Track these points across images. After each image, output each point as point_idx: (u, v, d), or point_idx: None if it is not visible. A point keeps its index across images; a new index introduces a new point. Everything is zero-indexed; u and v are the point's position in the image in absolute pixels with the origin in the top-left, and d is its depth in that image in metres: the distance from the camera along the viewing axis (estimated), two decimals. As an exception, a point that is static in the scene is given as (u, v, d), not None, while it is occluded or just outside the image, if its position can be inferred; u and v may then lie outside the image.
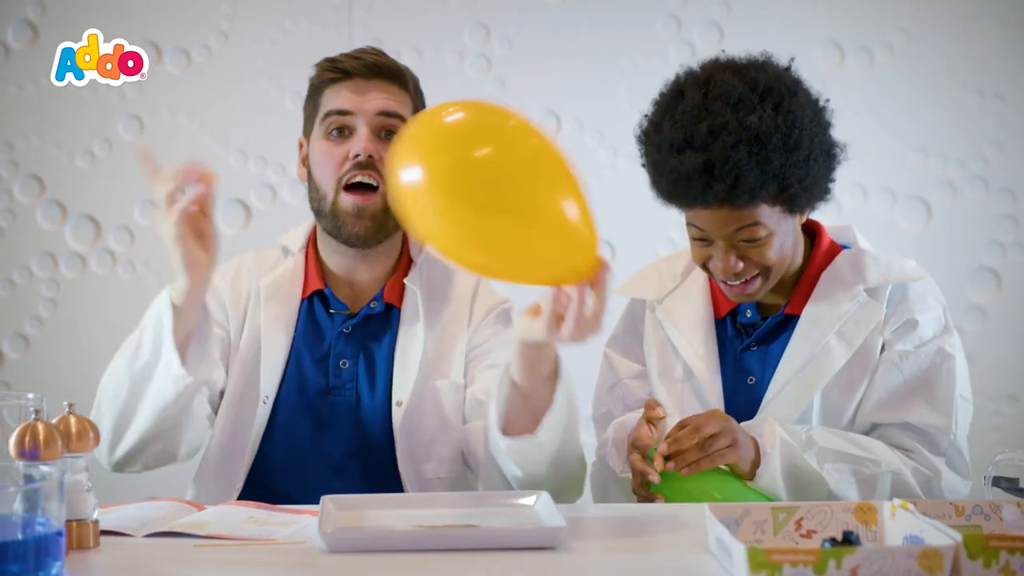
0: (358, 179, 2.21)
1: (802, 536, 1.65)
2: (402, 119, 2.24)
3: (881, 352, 2.15)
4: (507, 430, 1.97)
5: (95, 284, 3.45)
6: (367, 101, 2.24)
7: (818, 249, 2.23)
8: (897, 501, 1.62)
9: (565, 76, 3.50)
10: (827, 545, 1.50)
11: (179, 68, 3.49)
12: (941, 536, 1.46)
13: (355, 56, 2.28)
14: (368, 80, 2.25)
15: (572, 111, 3.50)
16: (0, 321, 3.47)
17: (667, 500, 1.96)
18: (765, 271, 2.12)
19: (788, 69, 2.15)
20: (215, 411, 2.28)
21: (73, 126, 3.48)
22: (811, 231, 2.26)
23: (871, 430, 2.13)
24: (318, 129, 2.26)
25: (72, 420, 1.66)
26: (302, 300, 2.31)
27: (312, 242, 2.36)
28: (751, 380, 2.19)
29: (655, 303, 2.30)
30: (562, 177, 1.75)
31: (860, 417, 2.14)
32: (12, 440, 1.59)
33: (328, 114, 2.24)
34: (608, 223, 3.37)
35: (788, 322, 2.19)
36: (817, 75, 3.45)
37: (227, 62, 3.49)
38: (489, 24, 3.50)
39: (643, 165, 2.18)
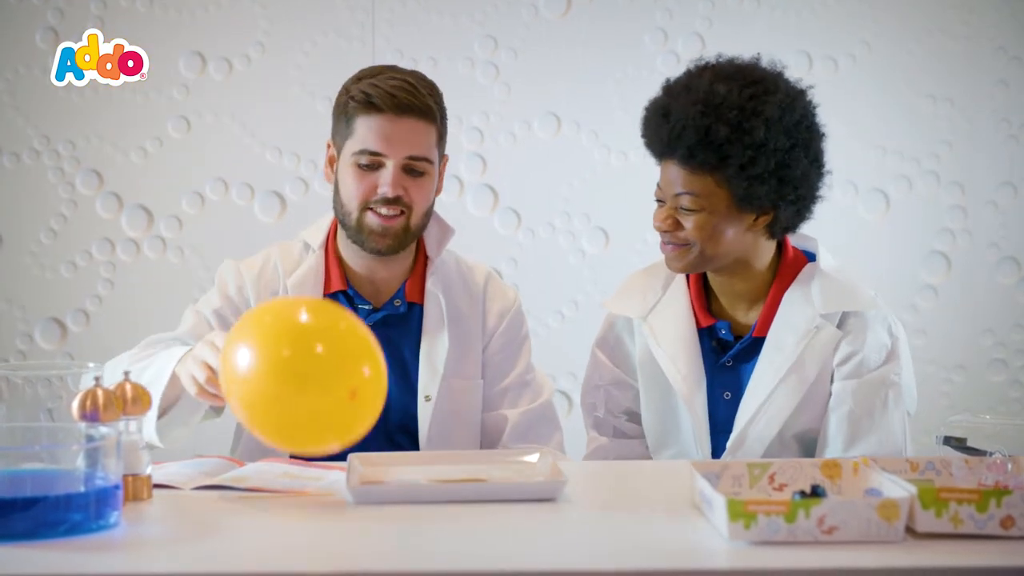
0: (384, 211, 2.15)
1: (775, 489, 1.64)
2: (428, 160, 2.16)
3: (832, 376, 2.05)
4: None
5: (148, 267, 3.45)
6: (397, 143, 2.14)
7: (784, 261, 2.11)
8: (859, 458, 1.61)
9: (564, 82, 3.48)
10: (797, 497, 1.49)
11: (222, 75, 3.47)
12: (898, 489, 1.46)
13: (390, 93, 2.14)
14: (400, 116, 2.14)
15: (570, 113, 3.48)
16: (65, 299, 3.46)
17: None
18: (690, 245, 2.03)
19: (796, 99, 2.06)
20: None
21: (128, 126, 3.46)
22: (778, 244, 2.14)
23: None
24: (348, 156, 2.16)
25: (128, 387, 1.66)
26: (325, 295, 2.23)
27: (332, 237, 2.27)
28: (727, 396, 2.10)
29: (640, 321, 2.16)
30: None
31: (817, 452, 2.05)
32: (75, 404, 1.59)
33: (360, 151, 2.14)
34: (601, 212, 3.44)
35: (757, 345, 2.08)
36: (788, 81, 3.46)
37: (264, 70, 3.47)
38: (497, 36, 3.49)
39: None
